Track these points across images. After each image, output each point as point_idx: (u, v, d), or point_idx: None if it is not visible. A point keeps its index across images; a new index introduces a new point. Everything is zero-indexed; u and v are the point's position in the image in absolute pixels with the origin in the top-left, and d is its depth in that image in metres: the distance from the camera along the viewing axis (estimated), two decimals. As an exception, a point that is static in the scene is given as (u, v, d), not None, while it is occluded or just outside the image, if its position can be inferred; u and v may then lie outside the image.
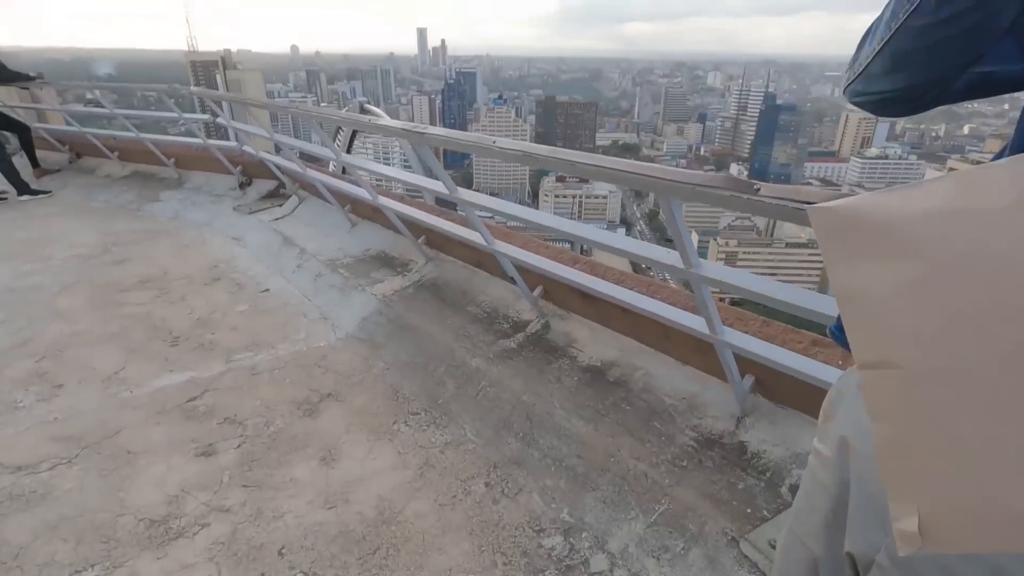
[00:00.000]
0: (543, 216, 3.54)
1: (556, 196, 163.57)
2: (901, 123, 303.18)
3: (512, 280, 3.89)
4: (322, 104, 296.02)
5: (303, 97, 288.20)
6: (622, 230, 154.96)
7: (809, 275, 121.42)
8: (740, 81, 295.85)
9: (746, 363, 2.70)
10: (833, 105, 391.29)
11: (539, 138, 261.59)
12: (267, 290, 5.45)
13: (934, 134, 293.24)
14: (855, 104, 1.10)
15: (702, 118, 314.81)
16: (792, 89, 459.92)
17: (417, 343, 4.20)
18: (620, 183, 2.13)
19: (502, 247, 3.78)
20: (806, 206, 1.39)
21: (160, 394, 3.75)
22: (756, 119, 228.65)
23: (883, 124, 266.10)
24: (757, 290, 2.19)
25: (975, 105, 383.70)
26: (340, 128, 8.62)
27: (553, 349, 3.73)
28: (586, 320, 3.81)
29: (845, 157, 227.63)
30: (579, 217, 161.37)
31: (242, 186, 7.96)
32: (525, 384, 3.48)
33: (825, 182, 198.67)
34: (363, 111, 8.32)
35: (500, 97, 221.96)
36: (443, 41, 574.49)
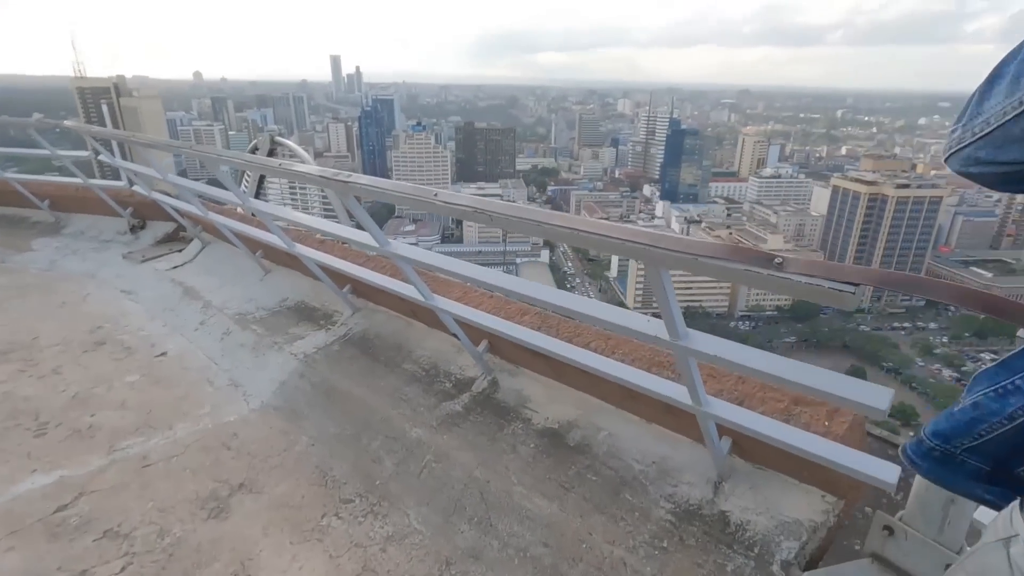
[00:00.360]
0: (504, 279, 2.96)
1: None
2: (790, 145, 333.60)
3: (454, 335, 3.50)
4: (231, 132, 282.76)
5: (208, 125, 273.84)
6: (546, 252, 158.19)
7: (720, 287, 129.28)
8: (647, 108, 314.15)
9: (724, 425, 2.50)
10: (730, 129, 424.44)
11: (460, 164, 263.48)
12: (164, 354, 4.68)
13: (818, 155, 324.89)
14: (967, 175, 0.88)
15: (615, 142, 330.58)
16: (694, 115, 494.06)
17: (347, 411, 3.62)
18: (605, 251, 1.90)
19: (442, 303, 3.36)
20: (850, 287, 1.27)
21: (16, 505, 2.82)
22: (664, 143, 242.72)
23: (775, 146, 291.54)
24: (755, 366, 2.03)
25: (850, 129, 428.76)
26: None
27: (504, 411, 3.28)
28: (538, 375, 3.45)
29: (745, 177, 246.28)
30: (504, 240, 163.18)
31: (133, 229, 7.04)
32: (476, 456, 3.00)
33: (728, 200, 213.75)
34: (274, 145, 7.62)
35: (419, 124, 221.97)
36: (358, 68, 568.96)
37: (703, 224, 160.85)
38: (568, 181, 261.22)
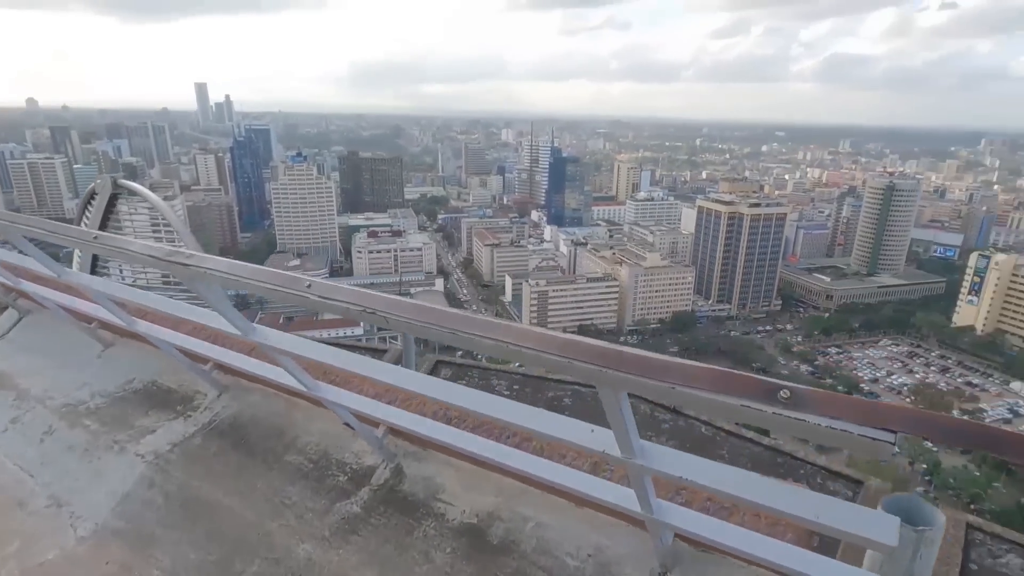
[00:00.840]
0: (404, 376, 2.48)
1: (371, 252, 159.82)
2: (659, 171, 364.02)
3: (347, 424, 2.91)
4: (76, 165, 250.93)
5: (48, 158, 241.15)
6: (440, 280, 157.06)
7: (608, 304, 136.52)
8: (530, 137, 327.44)
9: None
10: (606, 156, 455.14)
11: (345, 195, 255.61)
12: (-45, 468, 3.59)
13: (683, 179, 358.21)
14: None
15: (501, 170, 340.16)
16: (573, 143, 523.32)
17: (213, 528, 2.82)
18: (547, 367, 1.56)
19: (330, 392, 2.77)
20: (889, 437, 1.11)
21: None
22: (547, 170, 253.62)
23: (646, 172, 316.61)
24: (730, 490, 1.83)
25: (708, 155, 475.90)
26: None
27: (413, 506, 2.70)
28: (450, 458, 2.98)
29: (622, 201, 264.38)
30: (395, 270, 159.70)
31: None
32: (382, 573, 2.42)
33: (609, 223, 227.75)
34: (118, 190, 6.35)
35: (299, 154, 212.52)
36: (228, 96, 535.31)
37: (589, 246, 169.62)
38: (458, 209, 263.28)
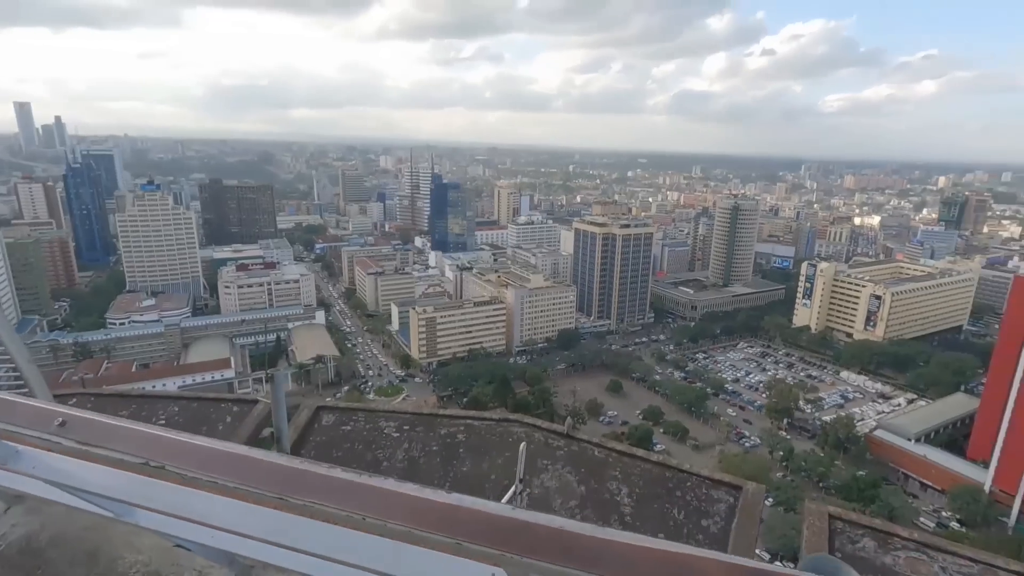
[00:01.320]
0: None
1: (240, 287, 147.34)
2: (537, 195, 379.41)
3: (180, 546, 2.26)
4: None
5: None
6: (321, 313, 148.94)
7: (496, 326, 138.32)
8: (409, 163, 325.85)
9: None
10: (486, 182, 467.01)
11: (209, 226, 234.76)
12: None
13: (559, 203, 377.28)
14: None
15: (381, 197, 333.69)
16: (453, 170, 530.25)
17: None
18: None
19: (145, 517, 2.02)
20: None
21: None
22: (429, 196, 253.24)
23: (525, 196, 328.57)
24: None
25: (580, 181, 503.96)
26: None
27: None
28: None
29: (504, 225, 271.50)
30: (270, 304, 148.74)
31: None
32: None
33: (493, 246, 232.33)
34: None
35: (151, 182, 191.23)
36: (58, 118, 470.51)
37: (474, 270, 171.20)
38: (338, 237, 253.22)
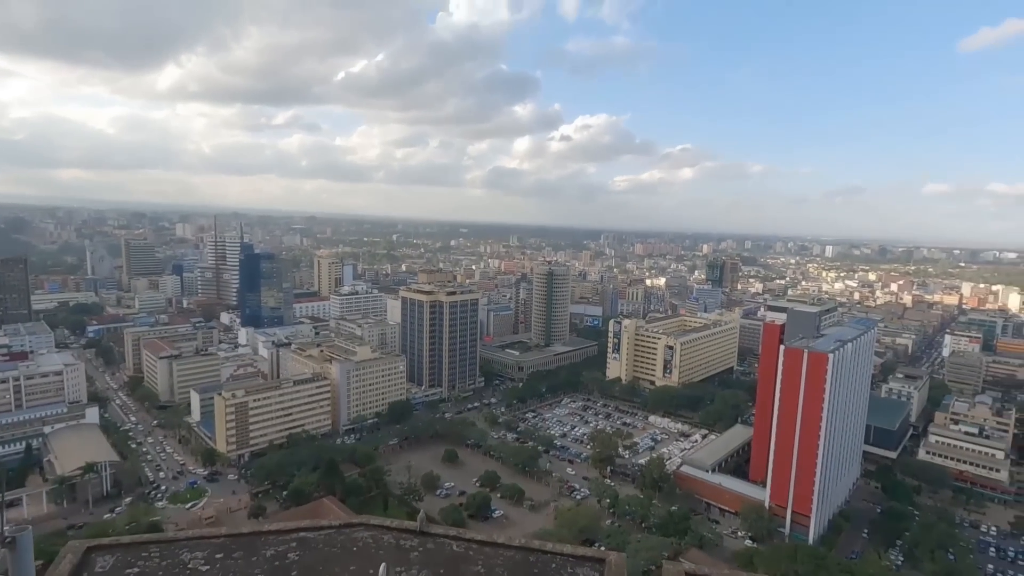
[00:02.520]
0: None
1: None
2: (360, 265, 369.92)
3: None
4: None
5: None
6: (95, 410, 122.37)
7: (320, 405, 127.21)
8: (213, 232, 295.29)
9: None
10: (305, 252, 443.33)
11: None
12: None
13: (384, 272, 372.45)
14: None
15: (178, 269, 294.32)
16: (266, 239, 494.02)
17: None
18: None
19: None
20: None
21: None
22: (238, 268, 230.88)
23: (348, 266, 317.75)
24: None
25: (405, 250, 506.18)
26: None
27: None
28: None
29: (326, 296, 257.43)
30: (20, 404, 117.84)
31: None
32: None
33: (314, 319, 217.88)
34: None
35: None
36: None
37: (293, 346, 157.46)
38: (119, 317, 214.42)
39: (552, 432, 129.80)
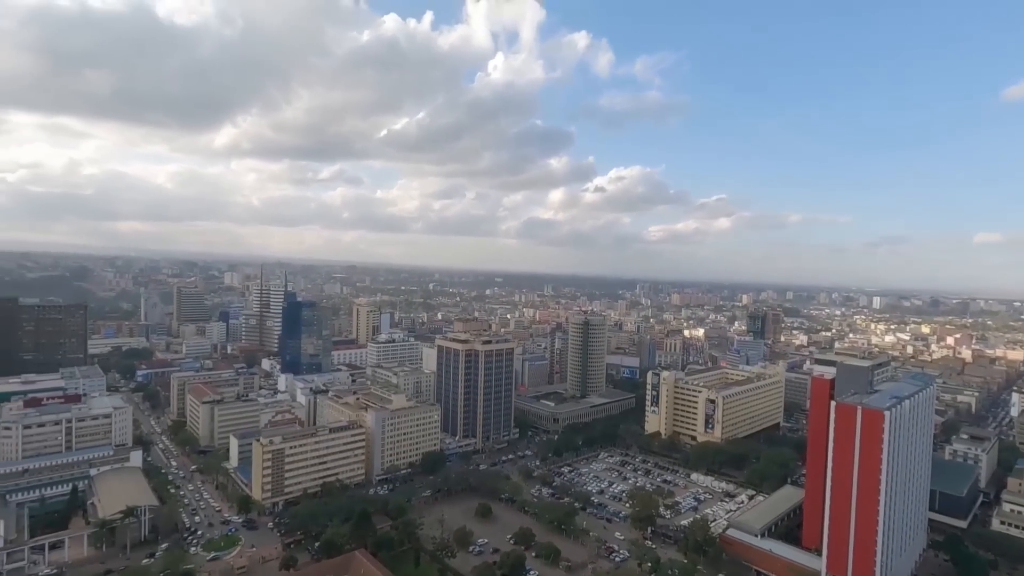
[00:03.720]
0: None
1: (26, 427, 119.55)
2: (397, 313, 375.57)
3: None
4: None
5: None
6: (138, 453, 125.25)
7: (354, 454, 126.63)
8: (259, 281, 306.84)
9: None
10: (344, 300, 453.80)
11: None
12: None
13: (420, 321, 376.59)
14: None
15: (224, 317, 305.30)
16: (308, 288, 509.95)
17: None
18: None
19: None
20: None
21: None
22: (280, 315, 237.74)
23: (385, 314, 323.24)
24: None
25: (440, 299, 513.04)
26: None
27: None
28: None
29: (364, 344, 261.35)
30: (68, 447, 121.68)
31: None
32: None
33: (352, 367, 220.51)
34: None
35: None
36: None
37: (330, 393, 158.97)
38: (166, 362, 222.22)
39: (589, 488, 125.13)
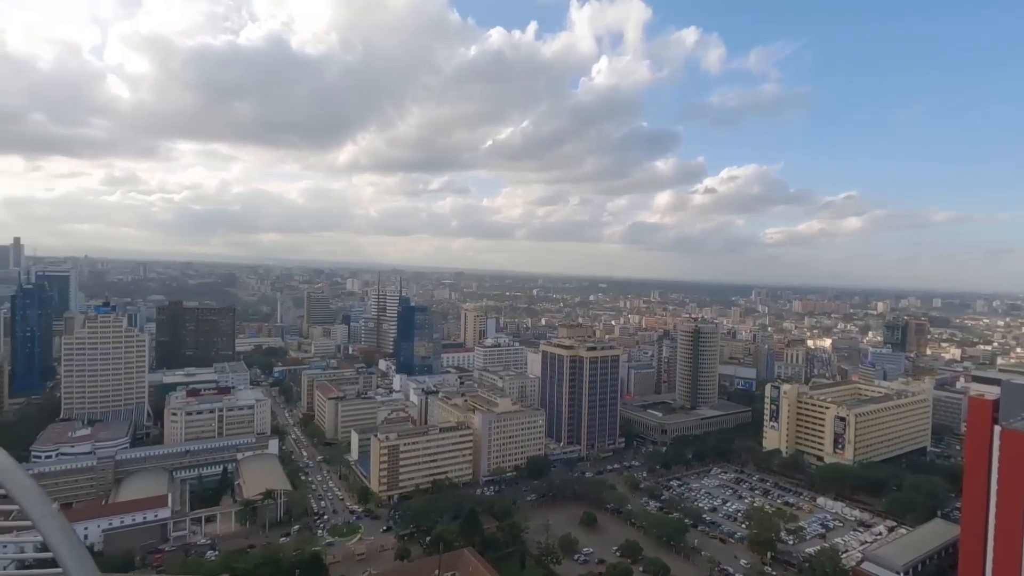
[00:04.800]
0: None
1: (189, 414, 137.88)
2: (503, 318, 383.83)
3: None
4: None
5: None
6: (275, 442, 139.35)
7: (463, 454, 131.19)
8: (376, 287, 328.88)
9: None
10: (452, 305, 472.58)
11: (163, 348, 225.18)
12: None
13: (525, 325, 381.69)
14: None
15: (347, 320, 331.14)
16: (419, 293, 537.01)
17: None
18: None
19: None
20: None
21: None
22: (395, 319, 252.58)
23: (491, 319, 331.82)
24: None
25: (544, 304, 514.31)
26: None
27: None
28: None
29: (471, 347, 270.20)
30: (220, 433, 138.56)
31: None
32: None
33: (460, 369, 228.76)
34: None
35: (107, 303, 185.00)
36: (16, 240, 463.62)
37: (440, 394, 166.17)
38: (298, 361, 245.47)
39: (701, 504, 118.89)
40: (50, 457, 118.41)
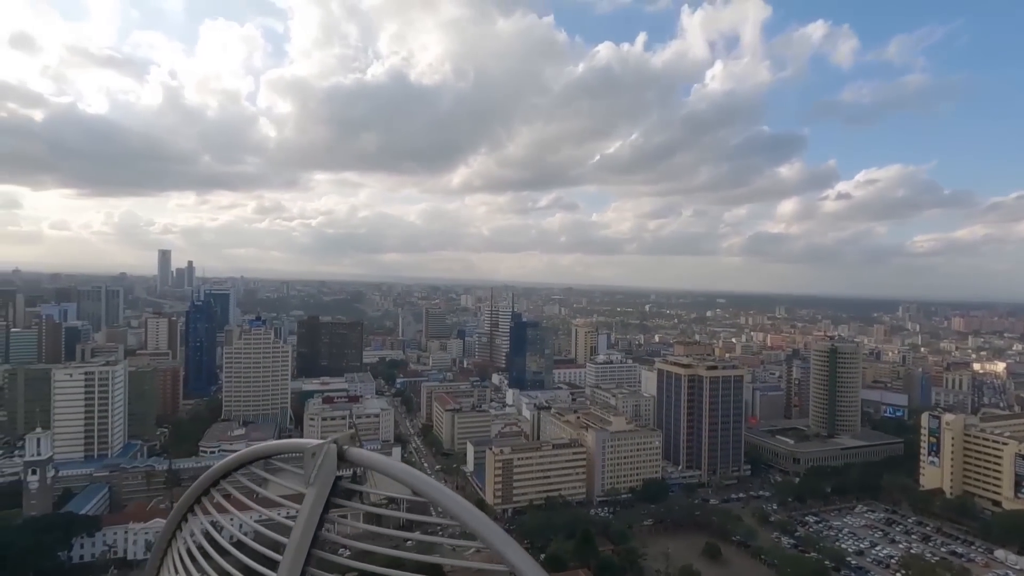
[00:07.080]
0: None
1: (324, 419, 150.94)
2: (614, 334, 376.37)
3: None
4: (14, 329, 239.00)
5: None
6: (397, 449, 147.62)
7: (575, 472, 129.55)
8: (489, 303, 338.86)
9: None
10: (563, 321, 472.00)
11: (302, 359, 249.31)
12: None
13: (637, 342, 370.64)
14: None
15: (461, 334, 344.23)
16: (530, 308, 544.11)
17: None
18: None
19: None
20: None
21: None
22: (508, 334, 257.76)
23: (602, 335, 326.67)
24: None
25: (657, 320, 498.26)
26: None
27: None
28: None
29: (582, 363, 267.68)
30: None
31: None
32: None
33: (571, 385, 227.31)
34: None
35: (258, 318, 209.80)
36: (190, 263, 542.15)
37: (552, 410, 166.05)
38: (418, 372, 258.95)
39: (844, 546, 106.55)
40: (214, 452, 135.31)
